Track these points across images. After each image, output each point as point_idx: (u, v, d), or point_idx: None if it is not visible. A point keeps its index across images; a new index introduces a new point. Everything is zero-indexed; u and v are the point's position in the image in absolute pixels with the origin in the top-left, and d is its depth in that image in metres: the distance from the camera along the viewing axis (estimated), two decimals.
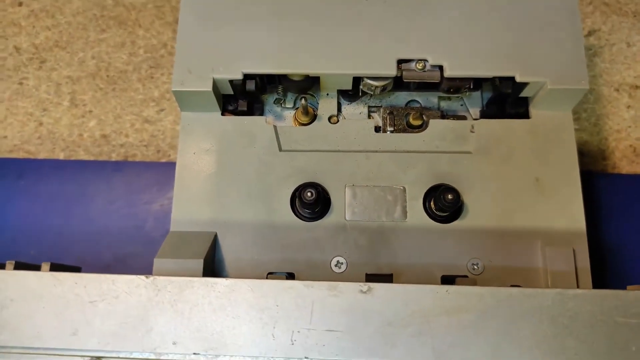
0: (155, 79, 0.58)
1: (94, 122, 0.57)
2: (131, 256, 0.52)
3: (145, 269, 0.38)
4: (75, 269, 0.40)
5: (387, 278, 0.39)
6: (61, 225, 0.54)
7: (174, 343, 0.32)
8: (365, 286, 0.33)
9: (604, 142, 0.56)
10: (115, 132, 0.57)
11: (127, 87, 0.58)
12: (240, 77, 0.41)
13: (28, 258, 0.41)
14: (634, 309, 0.32)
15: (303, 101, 0.43)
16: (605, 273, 0.52)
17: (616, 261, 0.52)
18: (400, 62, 0.41)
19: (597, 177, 0.55)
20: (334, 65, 0.41)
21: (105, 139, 0.56)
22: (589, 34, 0.59)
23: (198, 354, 0.32)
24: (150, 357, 0.32)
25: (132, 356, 0.32)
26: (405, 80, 0.42)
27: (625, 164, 0.55)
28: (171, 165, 0.43)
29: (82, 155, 0.56)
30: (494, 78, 0.42)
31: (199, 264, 0.38)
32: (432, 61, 0.41)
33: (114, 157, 0.56)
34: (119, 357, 0.33)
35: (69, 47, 0.60)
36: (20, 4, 0.62)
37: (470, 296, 0.32)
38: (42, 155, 0.56)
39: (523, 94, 0.43)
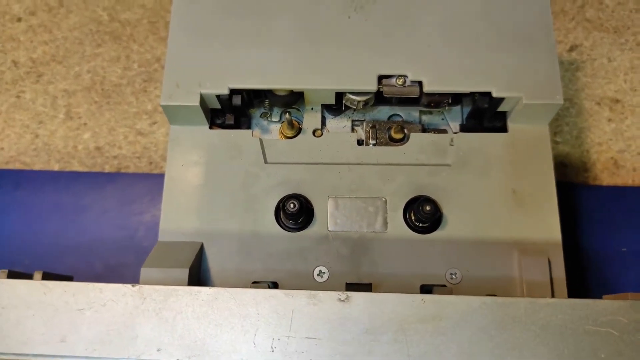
0: (148, 92, 0.60)
1: (88, 134, 0.59)
2: (123, 266, 0.53)
3: (136, 279, 0.39)
4: (67, 278, 0.41)
5: (366, 287, 0.40)
6: (55, 235, 0.55)
7: (158, 350, 0.33)
8: (343, 295, 0.34)
9: (585, 154, 0.57)
10: (108, 144, 0.58)
11: (121, 101, 0.60)
12: (226, 92, 0.43)
13: (22, 267, 0.42)
14: (603, 317, 0.33)
15: (288, 115, 0.45)
16: (586, 283, 0.53)
17: (597, 271, 0.54)
18: (381, 77, 0.43)
19: (578, 189, 0.56)
20: (317, 80, 0.42)
21: (99, 151, 0.58)
22: (571, 49, 0.61)
23: None
24: None
25: None
26: (385, 96, 0.43)
27: (606, 176, 0.56)
28: (163, 176, 0.45)
29: (77, 167, 0.57)
30: (472, 93, 0.43)
31: (185, 273, 0.39)
32: (411, 77, 0.43)
33: (107, 168, 0.57)
34: None
35: (65, 61, 0.62)
36: (19, 20, 0.64)
37: (445, 305, 0.33)
38: (37, 167, 0.58)
39: (501, 109, 0.44)
